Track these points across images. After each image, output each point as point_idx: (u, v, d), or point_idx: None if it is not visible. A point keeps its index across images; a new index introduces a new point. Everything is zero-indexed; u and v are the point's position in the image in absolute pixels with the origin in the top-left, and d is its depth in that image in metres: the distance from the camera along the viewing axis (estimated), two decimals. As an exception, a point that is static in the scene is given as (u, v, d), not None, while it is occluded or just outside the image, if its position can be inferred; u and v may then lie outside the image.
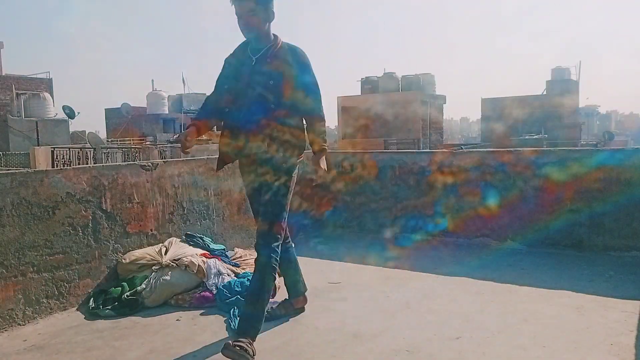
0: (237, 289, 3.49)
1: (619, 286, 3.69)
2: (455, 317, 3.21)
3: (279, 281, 3.85)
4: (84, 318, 3.37)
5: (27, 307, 3.25)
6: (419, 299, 3.56)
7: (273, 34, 2.91)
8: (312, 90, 2.93)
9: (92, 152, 15.14)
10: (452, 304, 3.45)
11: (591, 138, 32.85)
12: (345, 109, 28.28)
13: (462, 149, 13.07)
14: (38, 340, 3.03)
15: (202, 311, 3.43)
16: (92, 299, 3.52)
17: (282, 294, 3.71)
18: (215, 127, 3.29)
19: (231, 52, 3.00)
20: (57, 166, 13.30)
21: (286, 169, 2.87)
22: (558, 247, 4.66)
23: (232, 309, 3.31)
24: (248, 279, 3.60)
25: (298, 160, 2.94)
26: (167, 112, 33.46)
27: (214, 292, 3.54)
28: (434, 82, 30.79)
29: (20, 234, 3.21)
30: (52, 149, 15.06)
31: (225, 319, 3.28)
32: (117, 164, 8.97)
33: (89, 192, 3.60)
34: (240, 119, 2.86)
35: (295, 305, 3.31)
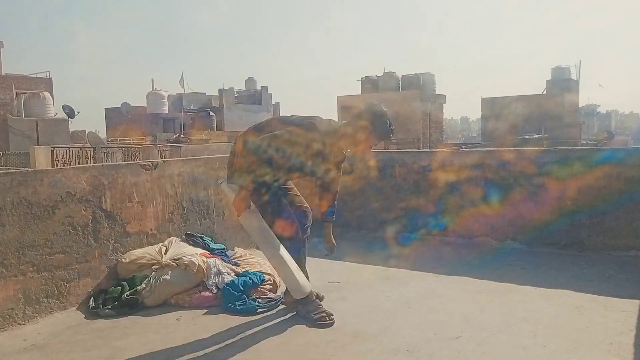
0: (241, 288, 3.51)
1: (618, 286, 3.69)
2: (455, 316, 3.21)
3: (279, 281, 3.85)
4: (84, 317, 3.37)
5: (27, 307, 3.25)
6: (419, 298, 3.56)
7: None
8: None
9: (92, 152, 15.12)
10: (452, 303, 3.45)
11: (591, 137, 32.81)
12: (345, 108, 28.25)
13: (462, 148, 13.07)
14: (38, 340, 3.03)
15: (202, 311, 3.43)
16: (92, 298, 3.52)
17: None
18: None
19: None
20: (57, 165, 13.28)
21: None
22: (558, 246, 4.66)
23: (235, 305, 3.37)
24: (250, 277, 3.62)
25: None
26: (167, 111, 33.43)
27: (214, 291, 3.54)
28: (434, 81, 30.77)
29: (20, 234, 3.21)
30: (52, 149, 15.04)
31: (224, 318, 3.29)
32: (117, 163, 8.98)
33: (88, 191, 3.60)
34: None
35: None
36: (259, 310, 3.38)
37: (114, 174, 3.78)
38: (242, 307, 3.37)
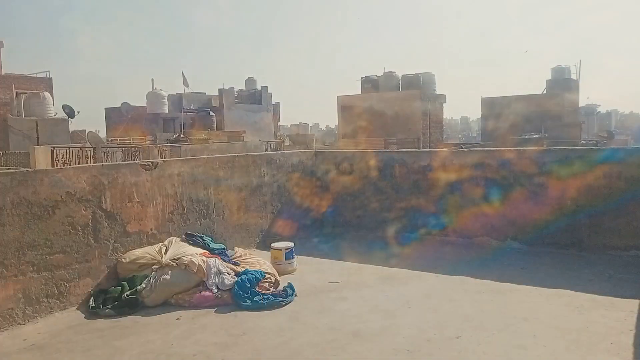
0: (248, 285, 3.58)
1: (618, 286, 3.69)
2: (455, 316, 3.21)
3: (280, 279, 3.86)
4: (84, 317, 3.38)
5: (27, 307, 3.25)
6: (419, 298, 3.56)
7: None
8: None
9: (92, 152, 15.11)
10: (452, 303, 3.45)
11: (591, 137, 32.79)
12: (345, 108, 28.24)
13: (462, 148, 13.05)
14: (38, 340, 3.03)
15: (202, 311, 3.43)
16: (92, 298, 3.52)
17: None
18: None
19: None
20: (57, 165, 13.28)
21: None
22: (558, 246, 4.65)
23: (246, 301, 3.46)
24: (252, 274, 3.66)
25: None
26: (167, 111, 33.42)
27: (214, 291, 3.56)
28: (434, 81, 30.76)
29: (21, 233, 3.21)
30: (52, 148, 15.02)
31: (225, 317, 3.30)
32: (117, 163, 8.97)
33: (88, 191, 3.60)
34: None
35: None
36: (282, 303, 3.47)
37: (114, 173, 3.78)
38: (265, 301, 3.45)
